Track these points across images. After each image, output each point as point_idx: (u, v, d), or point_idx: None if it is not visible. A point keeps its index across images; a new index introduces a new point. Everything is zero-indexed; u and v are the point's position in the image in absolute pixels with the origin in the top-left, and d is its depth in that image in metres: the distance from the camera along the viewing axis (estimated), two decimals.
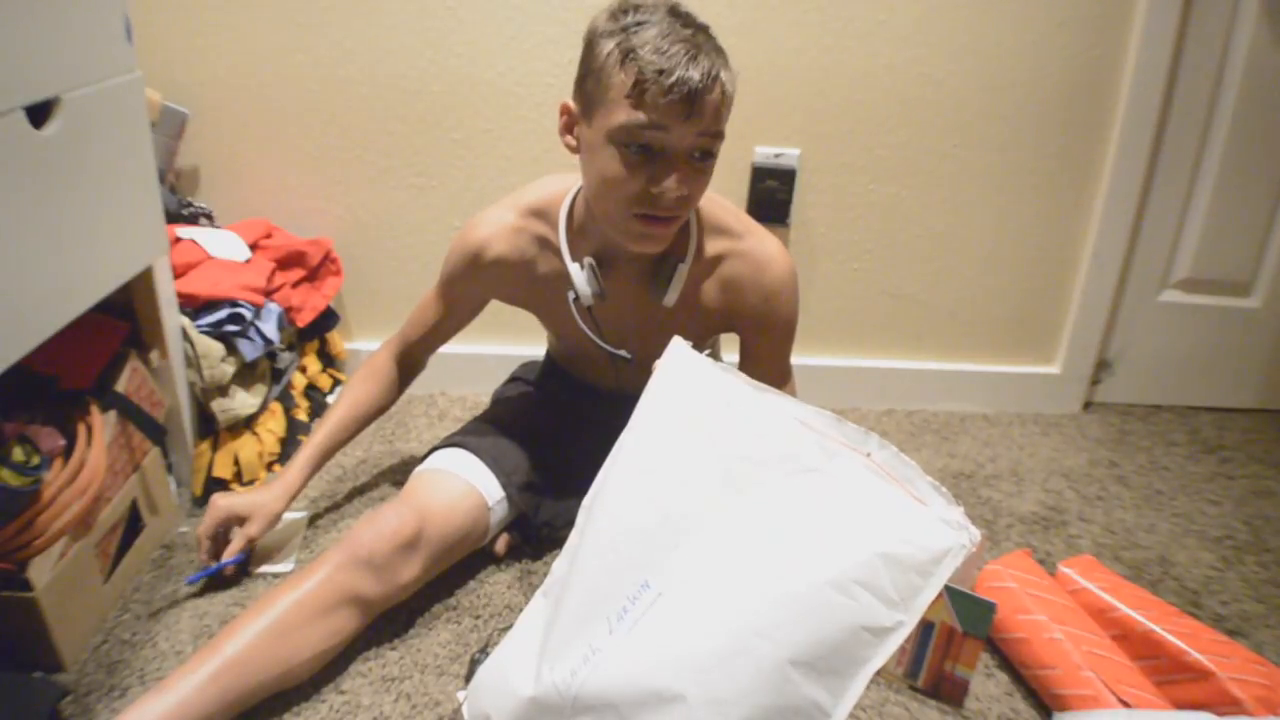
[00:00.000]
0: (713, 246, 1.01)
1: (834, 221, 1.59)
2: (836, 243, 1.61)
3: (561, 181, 1.03)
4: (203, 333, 1.22)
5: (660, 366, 0.82)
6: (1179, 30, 1.47)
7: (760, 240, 1.02)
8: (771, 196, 1.54)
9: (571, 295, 0.99)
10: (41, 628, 0.90)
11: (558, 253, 1.01)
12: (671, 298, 0.99)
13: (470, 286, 1.09)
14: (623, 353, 1.02)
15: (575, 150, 0.92)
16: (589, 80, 0.86)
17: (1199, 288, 1.69)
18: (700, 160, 0.86)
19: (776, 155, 1.53)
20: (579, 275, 0.97)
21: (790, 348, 1.09)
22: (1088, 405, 1.78)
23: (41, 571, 0.89)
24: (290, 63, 1.44)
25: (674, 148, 0.83)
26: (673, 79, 0.79)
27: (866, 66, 1.48)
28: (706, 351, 1.19)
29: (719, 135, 0.86)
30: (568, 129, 0.92)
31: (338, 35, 1.43)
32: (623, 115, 0.82)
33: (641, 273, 1.01)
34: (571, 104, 0.90)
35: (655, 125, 0.81)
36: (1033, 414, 1.74)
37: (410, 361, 1.21)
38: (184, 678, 0.81)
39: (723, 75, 0.82)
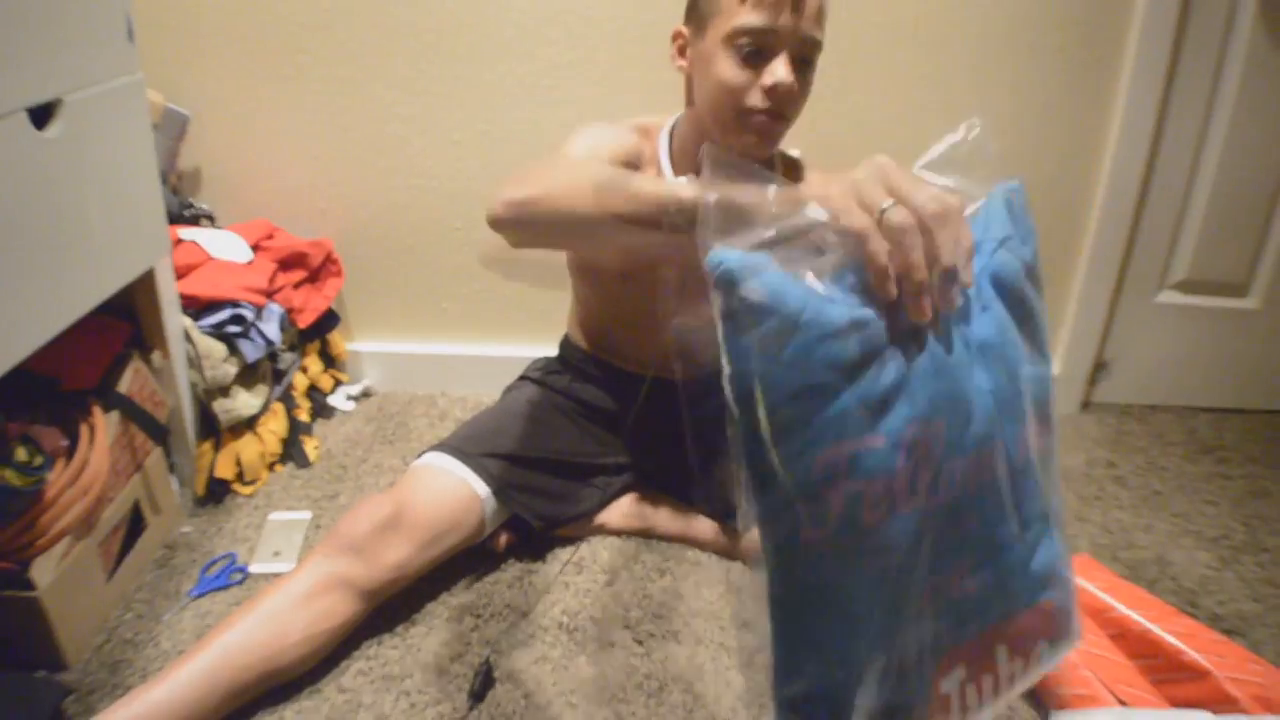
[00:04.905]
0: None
1: None
2: None
3: (658, 115, 1.11)
4: (205, 333, 1.23)
5: None
6: (1176, 33, 1.47)
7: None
8: None
9: None
10: (44, 627, 0.90)
11: (659, 170, 1.06)
12: None
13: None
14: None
15: (685, 71, 1.01)
16: (701, 2, 0.95)
17: (1196, 288, 1.70)
18: (802, 68, 0.92)
19: None
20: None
21: None
22: (1085, 405, 1.78)
23: (44, 571, 0.89)
24: (292, 64, 1.45)
25: (781, 45, 0.90)
26: None
27: (866, 66, 1.48)
28: None
29: (818, 44, 0.92)
30: (680, 53, 1.01)
31: (339, 37, 1.43)
32: (735, 19, 0.90)
33: None
34: (684, 29, 1.00)
35: (764, 22, 0.88)
36: None
37: None
38: (178, 667, 0.84)
39: None
